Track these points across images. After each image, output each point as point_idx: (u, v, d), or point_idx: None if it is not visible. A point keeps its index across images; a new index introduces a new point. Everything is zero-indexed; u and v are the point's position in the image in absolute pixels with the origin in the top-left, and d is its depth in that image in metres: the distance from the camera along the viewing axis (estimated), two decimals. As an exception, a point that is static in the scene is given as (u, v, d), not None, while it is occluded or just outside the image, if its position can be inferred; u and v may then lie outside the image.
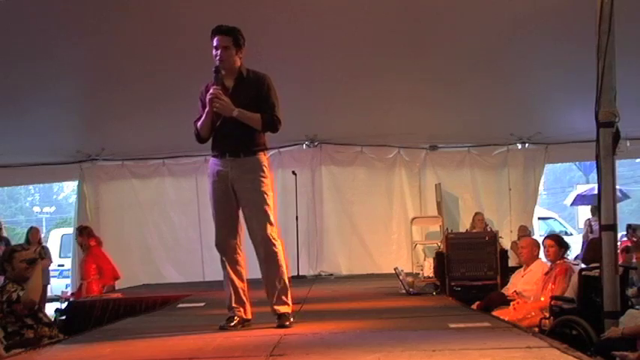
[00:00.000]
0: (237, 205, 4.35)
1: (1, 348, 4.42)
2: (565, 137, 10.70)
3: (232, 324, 4.27)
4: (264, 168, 4.33)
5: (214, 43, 4.26)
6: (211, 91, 4.23)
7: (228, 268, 4.36)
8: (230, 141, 4.30)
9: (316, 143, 11.15)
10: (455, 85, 8.94)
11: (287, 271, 4.42)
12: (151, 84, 8.40)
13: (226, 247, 4.36)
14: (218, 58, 4.25)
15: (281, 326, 4.19)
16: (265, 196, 4.28)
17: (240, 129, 4.26)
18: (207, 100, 4.24)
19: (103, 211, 11.40)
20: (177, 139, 10.12)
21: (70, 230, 13.04)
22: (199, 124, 4.35)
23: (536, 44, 7.79)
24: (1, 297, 4.87)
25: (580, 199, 15.66)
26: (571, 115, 10.15)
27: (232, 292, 4.34)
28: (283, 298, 4.32)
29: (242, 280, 4.40)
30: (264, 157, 4.37)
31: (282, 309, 4.30)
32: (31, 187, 32.70)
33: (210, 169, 4.44)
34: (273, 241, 4.29)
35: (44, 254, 5.36)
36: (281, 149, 10.72)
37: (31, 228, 10.79)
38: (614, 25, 4.82)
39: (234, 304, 4.33)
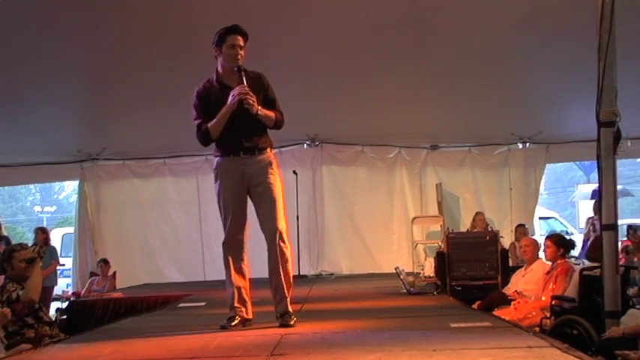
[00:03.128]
0: (246, 203, 4.38)
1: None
2: (566, 137, 10.70)
3: (233, 323, 4.27)
4: (275, 165, 4.41)
5: (233, 42, 4.26)
6: (240, 89, 4.21)
7: (232, 266, 4.37)
8: (244, 139, 4.32)
9: (317, 143, 11.16)
10: (456, 85, 8.94)
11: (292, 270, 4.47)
12: (152, 84, 8.40)
13: (235, 245, 4.39)
14: (238, 57, 4.27)
15: (284, 325, 4.20)
16: (279, 192, 4.35)
17: (253, 127, 4.31)
18: (233, 98, 4.21)
19: (104, 211, 11.42)
20: (178, 138, 10.15)
21: (71, 230, 13.05)
22: (212, 124, 4.29)
23: (536, 44, 7.78)
24: (1, 296, 4.88)
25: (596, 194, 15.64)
26: (572, 114, 10.15)
27: (235, 291, 4.35)
28: (289, 295, 4.34)
29: (245, 279, 4.42)
30: (273, 154, 4.45)
31: (288, 307, 4.32)
32: (31, 186, 32.67)
33: (219, 168, 4.40)
34: (285, 237, 4.33)
35: (43, 253, 5.35)
36: (282, 149, 10.70)
37: (37, 228, 10.77)
38: (614, 25, 4.82)
39: (236, 304, 4.34)
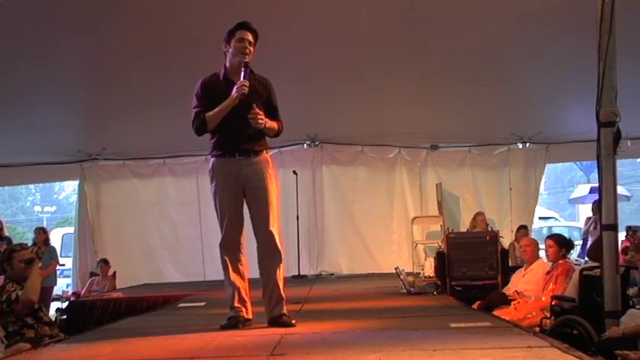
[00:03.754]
0: (243, 204, 4.38)
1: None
2: (566, 137, 10.71)
3: (234, 323, 4.27)
4: (271, 167, 4.43)
5: (242, 36, 4.28)
6: (243, 83, 4.23)
7: (230, 267, 4.37)
8: (240, 140, 4.33)
9: (317, 143, 11.16)
10: (456, 85, 8.94)
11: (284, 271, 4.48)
12: (152, 83, 8.39)
13: (233, 246, 4.39)
14: (247, 51, 4.29)
15: (285, 325, 4.20)
16: (274, 195, 4.35)
17: (249, 128, 4.30)
18: (236, 92, 4.22)
19: (104, 211, 11.43)
20: (178, 138, 10.14)
21: (71, 230, 13.05)
22: (211, 114, 4.28)
23: (537, 44, 7.78)
24: (1, 296, 4.88)
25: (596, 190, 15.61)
26: (572, 114, 10.16)
27: (234, 292, 4.35)
28: (283, 296, 4.34)
29: (244, 279, 4.42)
30: (269, 156, 4.45)
31: (284, 308, 4.33)
32: (31, 186, 32.70)
33: (215, 169, 4.41)
34: (278, 238, 4.33)
35: (41, 254, 5.35)
36: (282, 149, 10.72)
37: (38, 228, 10.77)
38: (614, 25, 4.82)
39: (236, 304, 4.34)
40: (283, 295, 4.32)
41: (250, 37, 4.31)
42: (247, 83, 4.24)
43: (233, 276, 4.37)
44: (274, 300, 4.30)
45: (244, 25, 4.32)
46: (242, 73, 4.26)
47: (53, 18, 6.88)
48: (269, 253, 4.30)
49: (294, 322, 4.24)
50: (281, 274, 4.35)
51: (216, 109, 4.28)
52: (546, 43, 7.72)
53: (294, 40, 7.56)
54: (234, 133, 4.31)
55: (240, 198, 4.36)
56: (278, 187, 4.46)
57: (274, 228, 4.30)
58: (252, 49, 4.32)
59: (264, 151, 4.42)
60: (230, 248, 4.38)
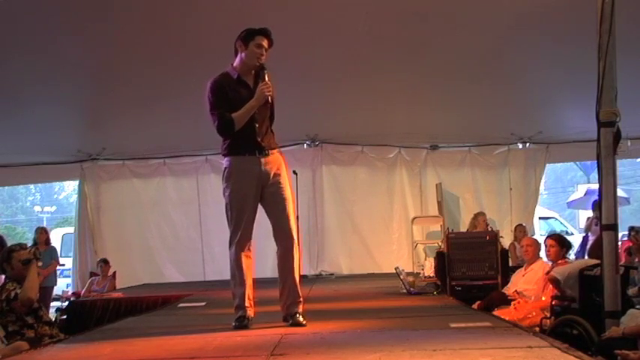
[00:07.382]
0: (258, 202, 4.41)
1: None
2: (566, 137, 10.71)
3: (246, 323, 4.30)
4: (285, 165, 4.51)
5: (261, 42, 4.35)
6: (267, 86, 4.34)
7: (243, 266, 4.38)
8: (259, 139, 4.38)
9: (317, 143, 11.17)
10: (455, 85, 8.93)
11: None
12: (153, 84, 8.39)
13: (247, 244, 4.40)
14: (262, 57, 4.37)
15: (297, 324, 4.23)
16: (289, 192, 4.42)
17: (268, 127, 4.44)
18: (262, 92, 4.30)
19: (104, 211, 11.43)
20: (178, 138, 10.16)
21: (71, 230, 13.05)
22: (239, 114, 4.30)
23: (537, 44, 7.78)
24: (1, 295, 4.90)
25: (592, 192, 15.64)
26: (572, 114, 10.15)
27: (245, 291, 4.36)
28: (300, 295, 4.38)
29: (250, 278, 4.43)
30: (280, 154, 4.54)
31: (300, 307, 4.37)
32: (31, 186, 32.71)
33: (233, 167, 4.39)
34: (295, 237, 4.38)
35: (39, 255, 5.37)
36: (282, 149, 10.64)
37: (38, 228, 10.75)
38: (614, 25, 4.82)
39: (246, 303, 4.37)
40: (300, 294, 4.38)
41: (267, 45, 4.38)
42: (271, 88, 4.34)
43: (245, 275, 4.38)
44: (292, 298, 4.36)
45: (265, 32, 4.38)
46: (263, 76, 4.36)
47: (53, 16, 6.87)
48: (292, 252, 4.34)
49: (305, 322, 4.27)
50: (297, 272, 4.39)
51: (243, 111, 4.31)
52: (546, 43, 7.72)
53: (294, 40, 7.54)
54: (253, 131, 4.36)
55: (257, 195, 4.38)
56: (290, 185, 4.50)
57: (294, 226, 4.37)
58: (266, 55, 4.40)
59: (276, 149, 4.49)
60: (244, 246, 4.39)
